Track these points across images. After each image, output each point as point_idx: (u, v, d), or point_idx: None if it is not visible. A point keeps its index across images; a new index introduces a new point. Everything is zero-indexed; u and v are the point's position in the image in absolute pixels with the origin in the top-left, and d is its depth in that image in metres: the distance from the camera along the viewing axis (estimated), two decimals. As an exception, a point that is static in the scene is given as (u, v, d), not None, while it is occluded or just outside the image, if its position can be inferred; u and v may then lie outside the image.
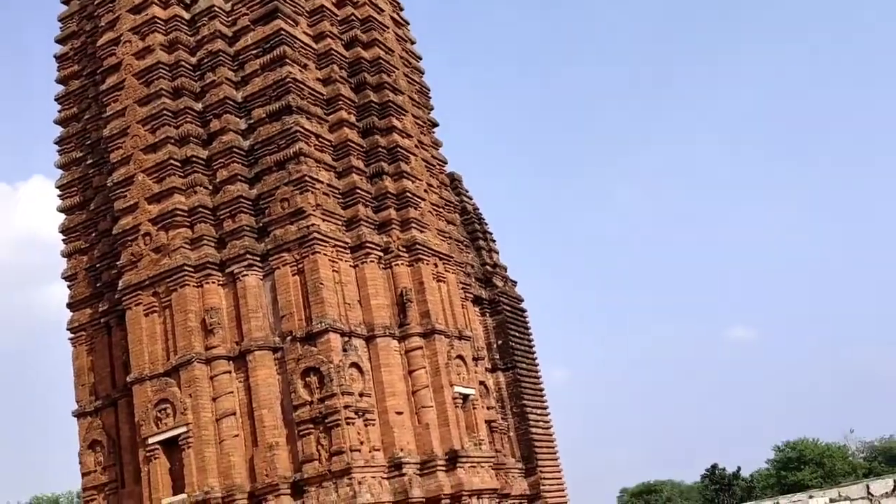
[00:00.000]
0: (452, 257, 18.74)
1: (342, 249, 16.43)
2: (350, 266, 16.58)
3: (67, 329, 18.11)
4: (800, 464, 65.37)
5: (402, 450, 15.67)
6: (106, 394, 17.38)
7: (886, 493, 19.64)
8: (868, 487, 20.15)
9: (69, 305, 18.26)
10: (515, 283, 24.35)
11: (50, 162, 22.02)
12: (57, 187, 19.04)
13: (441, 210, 19.15)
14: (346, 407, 14.90)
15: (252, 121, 16.92)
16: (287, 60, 16.88)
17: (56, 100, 19.66)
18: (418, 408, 16.42)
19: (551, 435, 22.95)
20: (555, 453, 22.72)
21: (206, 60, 17.40)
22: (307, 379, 15.23)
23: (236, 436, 15.40)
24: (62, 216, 18.92)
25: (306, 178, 16.09)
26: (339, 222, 16.66)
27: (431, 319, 16.99)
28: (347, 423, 14.83)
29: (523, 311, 23.92)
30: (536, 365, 23.47)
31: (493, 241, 24.61)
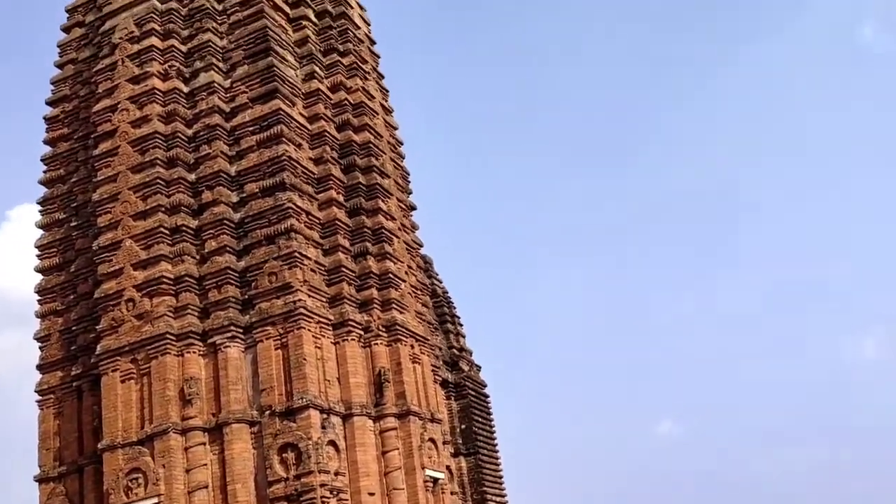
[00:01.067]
0: (428, 339, 19.10)
1: (325, 326, 16.68)
2: (331, 343, 16.80)
3: (36, 391, 17.88)
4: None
5: (373, 531, 15.69)
6: (72, 459, 17.08)
7: None
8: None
9: (39, 367, 18.06)
10: (480, 367, 24.73)
11: None
12: (36, 247, 19.00)
13: (419, 292, 19.57)
14: (322, 485, 14.94)
15: (244, 195, 17.27)
16: (283, 139, 17.37)
17: (42, 160, 19.77)
18: (390, 489, 16.51)
19: (509, 521, 23.03)
20: (512, 540, 22.77)
21: (202, 133, 17.79)
22: (284, 455, 15.26)
23: (207, 510, 15.26)
24: (39, 276, 18.83)
25: (296, 253, 16.42)
26: (324, 299, 16.95)
27: (407, 400, 17.23)
28: (323, 502, 14.84)
29: (486, 396, 24.24)
30: (497, 451, 23.70)
31: (461, 324, 25.05)
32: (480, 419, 23.25)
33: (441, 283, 25.34)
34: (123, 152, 17.70)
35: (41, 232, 19.21)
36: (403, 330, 17.87)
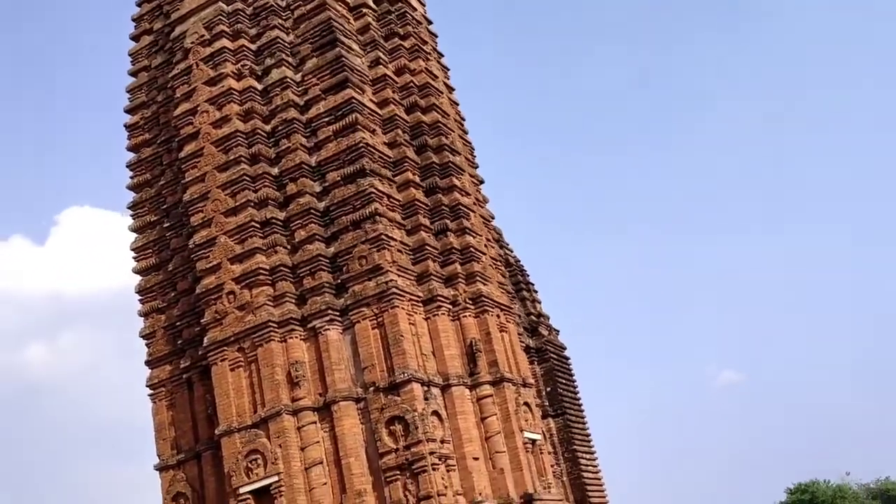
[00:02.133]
0: (512, 308, 19.71)
1: (416, 303, 17.36)
2: (423, 318, 17.49)
3: (147, 386, 18.87)
4: (813, 506, 65.75)
5: (480, 494, 16.45)
6: (189, 447, 18.07)
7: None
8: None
9: (148, 363, 19.04)
10: (558, 331, 25.30)
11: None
12: (132, 249, 19.94)
13: (497, 263, 20.16)
14: (431, 453, 15.70)
15: (327, 183, 17.96)
16: (359, 126, 17.99)
17: (128, 166, 20.66)
18: (492, 453, 17.23)
19: (600, 479, 23.69)
20: (604, 496, 23.44)
21: (280, 128, 18.49)
22: (392, 427, 16.03)
23: (325, 484, 16.14)
24: (138, 277, 19.79)
25: (382, 236, 17.09)
26: (412, 277, 17.62)
27: (500, 368, 17.88)
28: (433, 469, 15.62)
29: (567, 358, 24.84)
30: (583, 411, 24.32)
31: (536, 291, 25.61)
32: (564, 381, 23.86)
33: (512, 252, 25.89)
34: (208, 152, 18.48)
35: (135, 235, 20.13)
36: (489, 301, 18.49)
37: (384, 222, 17.37)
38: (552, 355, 23.78)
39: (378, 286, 16.81)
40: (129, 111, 21.10)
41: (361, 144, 17.79)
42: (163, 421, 18.59)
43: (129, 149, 20.82)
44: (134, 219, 20.25)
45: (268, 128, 18.65)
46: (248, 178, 18.03)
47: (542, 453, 18.36)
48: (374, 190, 17.44)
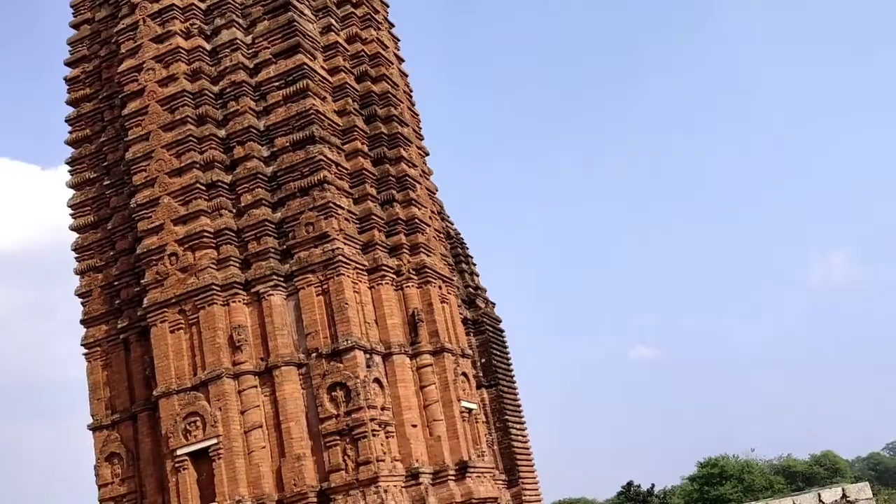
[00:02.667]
0: (453, 280, 20.02)
1: (361, 272, 17.51)
2: (367, 287, 17.66)
3: (82, 345, 18.61)
4: (721, 479, 68.50)
5: (417, 460, 16.79)
6: (124, 408, 17.93)
7: (836, 500, 21.70)
8: (819, 496, 22.19)
9: (83, 322, 18.76)
10: (494, 304, 25.73)
11: None
12: (69, 206, 19.53)
13: (441, 235, 20.42)
14: (371, 420, 15.95)
15: (275, 149, 17.88)
16: (310, 93, 17.93)
17: (67, 121, 20.15)
18: (429, 421, 17.57)
19: (529, 449, 24.31)
20: (532, 466, 24.08)
21: (228, 90, 18.29)
22: (333, 393, 16.22)
23: (263, 447, 16.25)
24: (75, 234, 19.42)
25: (330, 204, 17.14)
26: (358, 246, 17.75)
27: (440, 338, 18.20)
28: (373, 435, 15.88)
29: (502, 331, 25.30)
30: (515, 383, 24.84)
31: (475, 264, 25.96)
32: (498, 353, 24.32)
33: (452, 224, 26.15)
34: (153, 111, 18.18)
35: (72, 192, 19.70)
36: (432, 272, 18.75)
37: (332, 190, 17.42)
38: (488, 328, 24.19)
39: (324, 253, 16.89)
40: (69, 64, 20.56)
41: (312, 111, 17.74)
42: (97, 381, 18.39)
43: (69, 103, 20.30)
44: (72, 175, 19.82)
45: (216, 89, 18.43)
46: (194, 139, 17.83)
47: (477, 422, 18.80)
48: (323, 157, 17.45)
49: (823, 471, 75.57)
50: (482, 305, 24.59)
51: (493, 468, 18.73)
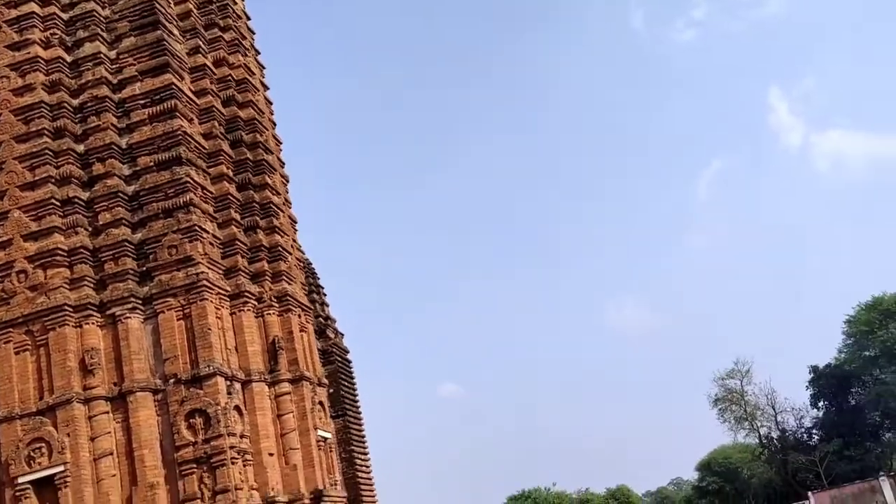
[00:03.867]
0: (312, 309, 20.13)
1: (224, 297, 17.34)
2: (228, 313, 17.49)
3: None
4: (533, 510, 71.36)
5: (272, 489, 16.71)
6: (-46, 433, 16.71)
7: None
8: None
9: (-90, 340, 17.37)
10: (343, 335, 25.96)
11: None
12: None
13: (300, 264, 20.51)
14: (231, 447, 15.75)
15: (138, 168, 17.46)
16: (177, 113, 17.69)
17: None
18: (286, 449, 17.56)
19: (371, 479, 24.59)
20: (374, 496, 24.36)
21: (89, 104, 17.73)
22: (192, 420, 15.89)
23: (114, 475, 15.67)
24: None
25: (196, 227, 16.92)
26: (220, 271, 17.57)
27: (299, 366, 18.27)
28: (232, 463, 15.67)
29: (349, 362, 25.57)
30: (360, 414, 25.12)
31: (325, 294, 26.11)
32: (346, 384, 24.55)
33: (303, 253, 26.21)
34: (6, 120, 17.33)
35: None
36: (293, 300, 18.82)
37: (198, 213, 17.21)
38: (337, 358, 24.39)
39: (188, 277, 16.62)
40: None
41: (179, 132, 17.51)
42: (-76, 404, 17.03)
43: None
44: None
45: (75, 103, 17.83)
46: (50, 153, 17.13)
47: (331, 451, 18.93)
48: (189, 179, 17.23)
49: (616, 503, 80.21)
50: (332, 336, 24.78)
51: (345, 497, 18.88)
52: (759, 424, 57.10)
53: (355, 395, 25.07)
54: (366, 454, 24.55)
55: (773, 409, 56.89)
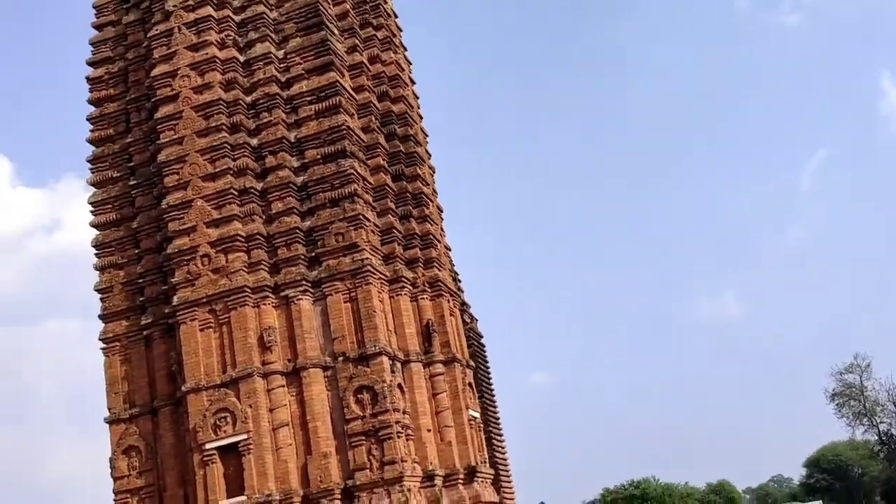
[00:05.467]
0: (459, 295, 21.11)
1: (384, 282, 18.47)
2: (388, 297, 18.61)
3: (101, 339, 18.97)
4: (643, 501, 71.02)
5: (431, 463, 17.80)
6: (143, 402, 18.37)
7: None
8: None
9: (103, 317, 19.13)
10: (477, 319, 26.87)
11: None
12: (90, 203, 19.90)
13: (448, 251, 21.51)
14: (396, 422, 16.89)
15: (305, 160, 18.72)
16: (342, 109, 18.86)
17: (89, 119, 20.54)
18: (441, 427, 18.62)
19: (507, 460, 25.45)
20: (510, 476, 25.22)
21: (261, 101, 19.07)
22: (360, 396, 17.09)
23: (290, 445, 17.00)
24: (94, 231, 19.79)
25: (360, 216, 18.08)
26: (380, 257, 18.70)
27: (451, 349, 19.29)
28: (398, 437, 16.81)
29: (484, 346, 26.44)
30: (495, 396, 25.99)
31: (461, 280, 27.07)
32: (482, 367, 25.41)
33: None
34: (187, 116, 18.81)
35: (93, 189, 20.08)
36: (444, 286, 19.85)
37: (361, 203, 18.35)
38: (474, 342, 25.26)
39: (354, 262, 17.79)
40: (92, 64, 20.97)
41: (344, 127, 18.67)
42: (115, 375, 18.77)
43: (91, 102, 20.71)
44: (93, 173, 20.20)
45: (248, 99, 19.19)
46: (228, 146, 18.54)
47: (479, 430, 19.89)
48: (354, 171, 18.38)
49: (719, 499, 79.01)
50: (468, 320, 25.69)
51: (493, 474, 19.82)
52: (878, 420, 55.69)
53: (490, 379, 25.91)
54: (501, 436, 25.38)
55: (895, 406, 55.37)
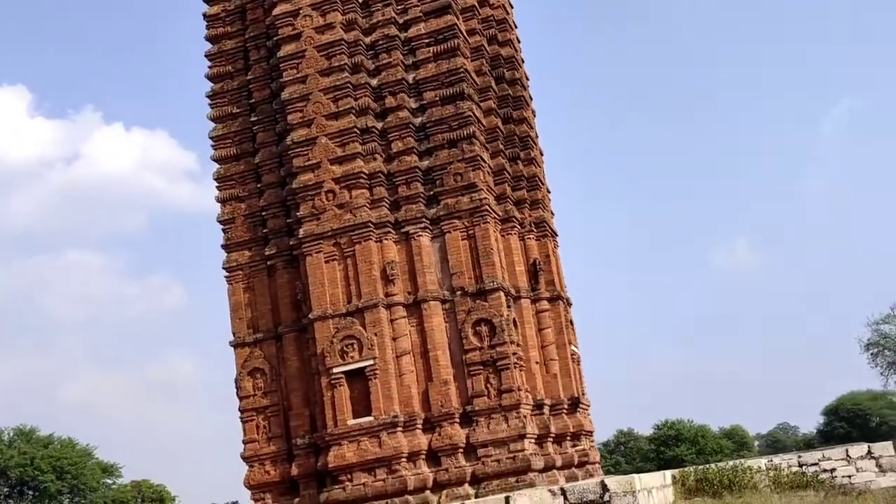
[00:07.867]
0: (558, 235, 21.93)
1: (497, 221, 19.29)
2: (500, 235, 19.46)
3: (224, 268, 19.99)
4: (677, 441, 72.57)
5: (539, 393, 18.85)
6: (267, 328, 19.44)
7: (861, 455, 24.47)
8: (847, 451, 24.94)
9: (225, 247, 20.09)
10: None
11: None
12: (210, 137, 20.72)
13: (549, 193, 22.27)
14: (513, 354, 17.89)
15: (423, 102, 19.40)
16: (458, 52, 19.46)
17: (207, 56, 21.24)
18: (546, 360, 19.65)
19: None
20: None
21: (380, 42, 19.69)
22: (478, 328, 18.05)
23: (412, 371, 18.05)
24: (216, 165, 20.67)
25: (478, 157, 18.82)
26: (494, 197, 19.50)
27: (556, 286, 20.20)
28: (515, 368, 17.82)
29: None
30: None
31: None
32: (566, 305, 26.40)
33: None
34: (310, 56, 19.48)
35: (213, 124, 20.88)
36: (548, 227, 20.68)
37: (478, 144, 19.08)
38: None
39: (472, 202, 18.59)
40: (208, 1, 21.58)
41: (462, 69, 19.29)
42: (239, 301, 19.81)
43: (209, 39, 21.36)
44: (212, 108, 20.95)
45: (367, 40, 19.80)
46: (350, 86, 19.23)
47: (579, 364, 20.90)
48: (471, 113, 19.07)
49: (732, 444, 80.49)
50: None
51: (590, 405, 20.89)
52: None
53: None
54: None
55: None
